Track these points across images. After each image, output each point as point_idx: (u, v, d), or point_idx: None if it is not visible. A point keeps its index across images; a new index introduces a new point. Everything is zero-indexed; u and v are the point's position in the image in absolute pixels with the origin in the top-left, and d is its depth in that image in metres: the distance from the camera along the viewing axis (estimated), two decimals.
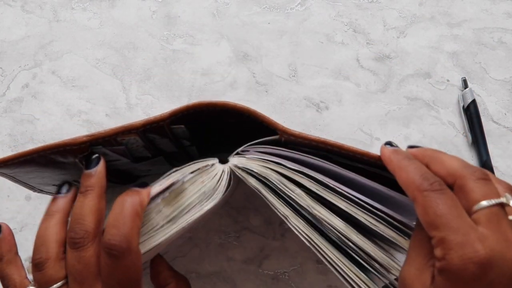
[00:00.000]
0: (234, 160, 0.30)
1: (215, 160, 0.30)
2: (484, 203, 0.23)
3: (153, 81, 0.47)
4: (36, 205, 0.43)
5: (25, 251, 0.42)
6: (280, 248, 0.43)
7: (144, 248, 0.27)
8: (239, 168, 0.29)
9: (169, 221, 0.28)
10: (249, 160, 0.29)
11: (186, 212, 0.28)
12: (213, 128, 0.33)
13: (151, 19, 0.49)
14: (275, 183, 0.29)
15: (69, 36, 0.48)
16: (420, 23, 0.48)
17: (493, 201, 0.23)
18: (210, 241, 0.43)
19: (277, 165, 0.29)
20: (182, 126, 0.31)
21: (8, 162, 0.29)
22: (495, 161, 0.44)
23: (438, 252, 0.23)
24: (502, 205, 0.24)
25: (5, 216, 0.43)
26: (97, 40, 0.48)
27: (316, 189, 0.28)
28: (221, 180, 0.29)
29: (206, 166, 0.29)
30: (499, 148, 0.45)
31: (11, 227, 0.43)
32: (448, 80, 0.47)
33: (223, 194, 0.29)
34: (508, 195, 0.24)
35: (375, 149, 0.45)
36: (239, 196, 0.44)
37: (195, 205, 0.29)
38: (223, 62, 0.47)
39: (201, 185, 0.29)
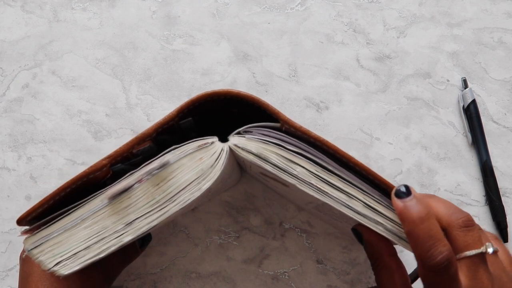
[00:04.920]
0: (234, 140, 0.29)
1: (214, 138, 0.29)
2: (466, 253, 0.26)
3: (153, 81, 0.47)
4: None
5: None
6: (280, 248, 0.43)
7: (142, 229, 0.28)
8: (238, 147, 0.29)
9: (168, 200, 0.28)
10: (249, 141, 0.29)
11: (182, 190, 0.28)
12: (217, 119, 0.33)
13: (151, 19, 0.49)
14: (275, 162, 0.28)
15: (69, 36, 0.48)
16: (420, 23, 0.48)
17: (473, 252, 0.26)
18: (210, 241, 0.43)
19: (277, 146, 0.28)
20: (190, 118, 0.31)
21: (37, 210, 0.29)
22: (495, 161, 0.44)
23: None
24: (482, 254, 0.26)
25: (5, 216, 0.43)
26: (97, 40, 0.48)
27: (316, 171, 0.28)
28: (220, 159, 0.29)
29: (205, 143, 0.29)
30: (499, 148, 0.45)
31: (11, 227, 0.43)
32: (448, 80, 0.47)
33: (220, 173, 0.29)
34: (488, 244, 0.27)
35: (374, 149, 0.45)
36: (239, 196, 0.44)
37: (191, 183, 0.28)
38: (223, 62, 0.47)
39: (199, 162, 0.28)
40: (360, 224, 0.29)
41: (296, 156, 0.28)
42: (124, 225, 0.28)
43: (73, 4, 0.49)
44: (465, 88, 0.46)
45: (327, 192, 0.28)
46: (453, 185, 0.44)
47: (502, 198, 0.43)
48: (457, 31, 0.48)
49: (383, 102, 0.46)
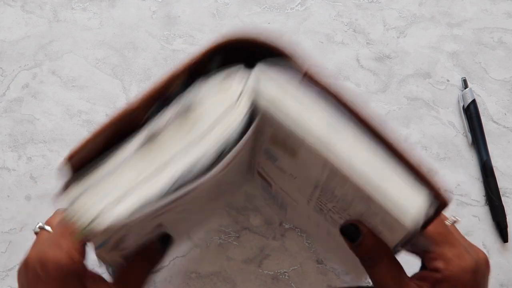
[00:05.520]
0: (260, 69, 0.27)
1: (240, 66, 0.27)
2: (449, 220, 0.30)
3: (153, 81, 0.47)
4: (36, 205, 0.43)
5: (26, 251, 0.42)
6: (280, 248, 0.43)
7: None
8: (261, 80, 0.27)
9: (201, 134, 0.26)
10: (272, 76, 0.27)
11: (214, 122, 0.26)
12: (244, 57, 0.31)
13: (151, 19, 0.49)
14: (292, 105, 0.26)
15: (69, 36, 0.48)
16: (420, 23, 0.48)
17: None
18: (210, 241, 0.43)
19: (297, 90, 0.27)
20: (218, 56, 0.29)
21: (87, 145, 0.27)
22: (495, 161, 0.44)
23: (439, 264, 0.28)
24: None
25: (5, 216, 0.43)
26: (97, 40, 0.48)
27: (328, 122, 0.26)
28: (246, 86, 0.26)
29: (231, 72, 0.27)
30: (499, 148, 0.45)
31: (11, 227, 0.43)
32: (448, 80, 0.47)
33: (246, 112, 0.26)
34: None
35: None
36: (239, 196, 0.44)
37: (221, 114, 0.26)
38: None
39: (227, 91, 0.26)
40: (357, 220, 0.29)
41: (314, 103, 0.26)
42: (158, 166, 0.26)
43: (73, 4, 0.49)
44: (465, 88, 0.46)
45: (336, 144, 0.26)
46: (453, 185, 0.44)
47: (502, 198, 0.43)
48: (457, 31, 0.48)
49: (383, 102, 0.46)
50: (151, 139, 0.27)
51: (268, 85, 0.27)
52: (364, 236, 0.29)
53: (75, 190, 0.27)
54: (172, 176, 0.26)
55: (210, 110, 0.26)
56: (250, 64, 0.28)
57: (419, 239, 0.28)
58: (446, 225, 0.29)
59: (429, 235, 0.28)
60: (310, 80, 0.27)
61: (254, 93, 0.27)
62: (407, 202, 0.25)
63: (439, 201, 0.26)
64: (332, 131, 0.26)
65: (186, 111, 0.27)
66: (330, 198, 0.30)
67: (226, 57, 0.28)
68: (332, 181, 0.28)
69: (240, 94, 0.27)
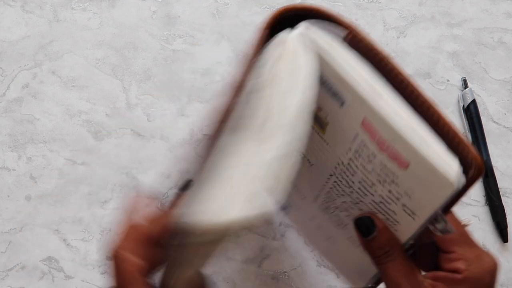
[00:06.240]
0: (304, 26, 0.27)
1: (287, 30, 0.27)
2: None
3: (153, 81, 0.47)
4: (36, 205, 0.43)
5: (26, 251, 0.42)
6: (280, 248, 0.43)
7: None
8: (309, 31, 0.26)
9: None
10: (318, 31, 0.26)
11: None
12: None
13: (151, 19, 0.49)
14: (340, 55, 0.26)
15: (69, 36, 0.48)
16: (420, 23, 0.48)
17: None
18: None
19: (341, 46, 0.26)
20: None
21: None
22: (495, 161, 0.44)
23: (460, 265, 0.28)
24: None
25: (5, 216, 0.43)
26: (97, 40, 0.48)
27: (372, 82, 0.26)
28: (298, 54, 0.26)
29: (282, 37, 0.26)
30: (499, 148, 0.45)
31: (11, 227, 0.43)
32: (448, 80, 0.47)
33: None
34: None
35: None
36: None
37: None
38: (223, 62, 0.47)
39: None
40: (373, 214, 0.28)
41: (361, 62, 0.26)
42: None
43: (73, 4, 0.49)
44: (465, 88, 0.46)
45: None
46: None
47: (502, 198, 0.43)
48: (457, 31, 0.48)
49: None
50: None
51: (317, 35, 0.26)
52: (379, 231, 0.29)
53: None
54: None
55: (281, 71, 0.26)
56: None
57: (441, 223, 0.28)
58: (464, 226, 0.29)
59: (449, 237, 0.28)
60: (353, 40, 0.27)
61: (308, 40, 0.26)
62: (448, 162, 0.24)
63: (473, 169, 0.25)
64: (374, 88, 0.25)
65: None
66: (348, 184, 0.29)
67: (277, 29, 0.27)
68: (362, 152, 0.27)
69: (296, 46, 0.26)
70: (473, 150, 0.25)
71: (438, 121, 0.26)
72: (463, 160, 0.25)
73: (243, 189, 0.23)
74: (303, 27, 0.27)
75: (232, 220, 0.22)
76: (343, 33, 0.27)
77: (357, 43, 0.27)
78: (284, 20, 0.28)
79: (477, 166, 0.24)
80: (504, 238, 0.42)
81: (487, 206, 0.43)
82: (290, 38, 0.26)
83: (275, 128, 0.24)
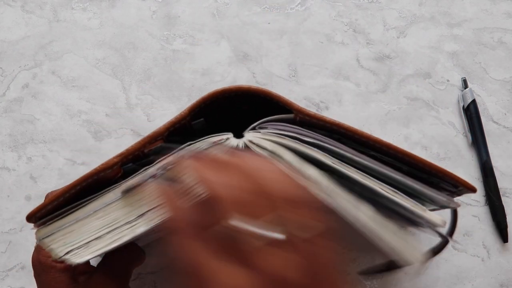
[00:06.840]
0: (249, 135, 0.29)
1: (229, 134, 0.29)
2: None
3: (153, 81, 0.47)
4: (36, 205, 0.43)
5: (26, 251, 0.42)
6: None
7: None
8: (253, 143, 0.28)
9: None
10: (264, 135, 0.28)
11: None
12: (228, 119, 0.32)
13: (151, 19, 0.49)
14: (288, 159, 0.28)
15: (69, 36, 0.48)
16: (420, 23, 0.48)
17: None
18: None
19: (292, 140, 0.28)
20: (202, 119, 0.31)
21: (47, 207, 0.29)
22: (495, 161, 0.44)
23: None
24: None
25: (5, 216, 0.43)
26: (97, 40, 0.48)
27: (332, 163, 0.27)
28: None
29: (220, 140, 0.28)
30: (499, 148, 0.45)
31: (11, 227, 0.43)
32: (448, 80, 0.47)
33: None
34: None
35: None
36: None
37: None
38: (223, 62, 0.47)
39: None
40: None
41: (312, 149, 0.28)
42: (136, 216, 0.28)
43: (73, 4, 0.49)
44: (465, 88, 0.46)
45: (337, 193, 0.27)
46: None
47: (502, 198, 0.43)
48: (457, 31, 0.48)
49: (383, 102, 0.46)
50: (133, 190, 0.29)
51: (263, 144, 0.28)
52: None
53: (53, 226, 0.29)
54: (148, 226, 0.28)
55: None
56: (236, 124, 0.30)
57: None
58: None
59: None
60: (304, 119, 0.29)
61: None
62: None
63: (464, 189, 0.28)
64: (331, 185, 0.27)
65: (173, 168, 0.28)
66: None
67: (209, 115, 0.31)
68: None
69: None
70: (453, 176, 0.28)
71: (411, 161, 0.29)
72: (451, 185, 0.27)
73: None
74: (248, 138, 0.29)
75: None
76: (292, 116, 0.29)
77: (308, 120, 0.29)
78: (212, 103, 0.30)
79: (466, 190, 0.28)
80: (504, 238, 0.42)
81: (487, 206, 0.43)
82: (226, 150, 0.28)
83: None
